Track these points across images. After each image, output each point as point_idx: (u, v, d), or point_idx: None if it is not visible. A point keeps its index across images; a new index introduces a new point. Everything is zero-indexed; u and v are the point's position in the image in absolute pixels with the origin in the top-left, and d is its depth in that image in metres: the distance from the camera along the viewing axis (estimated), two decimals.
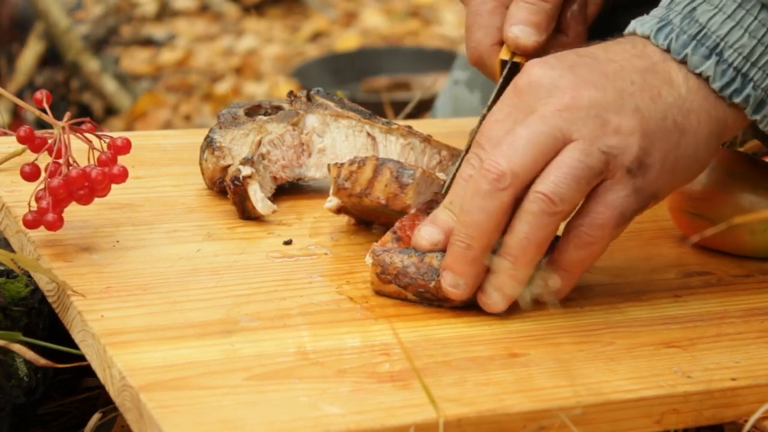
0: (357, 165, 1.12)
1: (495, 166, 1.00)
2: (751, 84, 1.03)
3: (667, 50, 1.04)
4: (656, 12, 1.06)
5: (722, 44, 1.03)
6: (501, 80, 1.17)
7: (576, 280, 1.04)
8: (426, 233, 1.05)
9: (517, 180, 1.00)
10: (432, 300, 1.05)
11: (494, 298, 1.03)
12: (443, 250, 1.04)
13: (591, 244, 1.02)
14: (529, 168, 1.00)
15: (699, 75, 1.03)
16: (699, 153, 1.05)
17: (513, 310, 1.06)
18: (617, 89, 1.02)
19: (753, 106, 1.04)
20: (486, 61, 1.19)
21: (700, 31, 1.03)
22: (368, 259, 1.07)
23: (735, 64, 1.03)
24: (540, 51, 1.15)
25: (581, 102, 1.01)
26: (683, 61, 1.03)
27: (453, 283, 1.03)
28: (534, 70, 1.03)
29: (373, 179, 1.11)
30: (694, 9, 1.04)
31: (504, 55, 1.17)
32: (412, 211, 1.10)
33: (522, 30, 1.14)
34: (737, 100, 1.03)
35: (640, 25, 1.06)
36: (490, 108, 1.10)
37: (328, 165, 1.15)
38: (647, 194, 1.03)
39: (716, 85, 1.03)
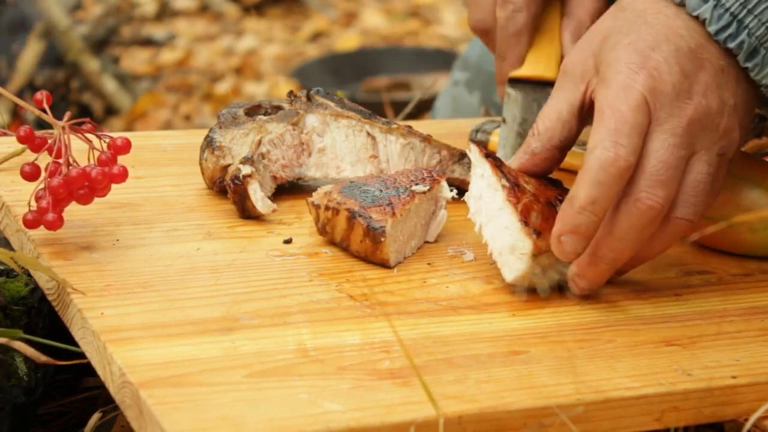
0: (331, 212, 1.12)
1: (656, 201, 1.02)
2: (746, 31, 1.05)
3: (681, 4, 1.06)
4: None
5: None
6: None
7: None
8: (571, 247, 1.05)
9: (667, 203, 1.03)
10: None
11: (592, 289, 1.08)
12: None
13: (683, 230, 1.06)
14: (674, 190, 1.04)
15: (696, 18, 1.05)
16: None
17: (513, 309, 1.06)
18: (712, 95, 1.05)
19: (746, 53, 1.05)
20: (491, 29, 1.20)
21: None
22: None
23: (732, 9, 1.04)
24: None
25: (700, 112, 1.04)
26: (681, 4, 1.05)
27: (586, 289, 1.07)
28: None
29: (349, 231, 1.12)
30: None
31: (517, 73, 1.18)
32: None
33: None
34: (731, 45, 1.05)
35: None
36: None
37: (307, 201, 1.15)
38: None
39: (711, 29, 1.04)
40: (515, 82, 1.25)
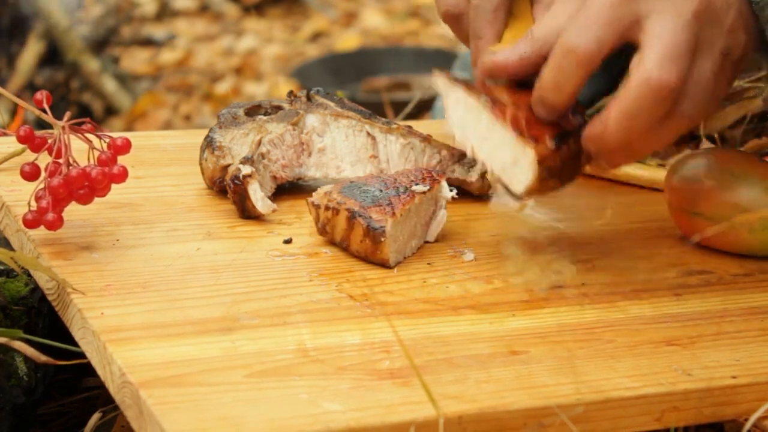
0: (331, 212, 1.12)
1: (668, 81, 1.02)
2: None
3: None
4: None
5: None
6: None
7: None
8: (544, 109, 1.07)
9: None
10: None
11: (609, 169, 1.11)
12: None
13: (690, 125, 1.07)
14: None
15: None
16: None
17: (513, 309, 1.06)
18: None
19: None
20: (463, 13, 1.20)
21: None
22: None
23: None
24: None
25: (705, 5, 1.04)
26: None
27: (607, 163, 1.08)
28: None
29: (349, 231, 1.12)
30: None
31: (497, 47, 1.17)
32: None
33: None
34: None
35: None
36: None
37: (307, 201, 1.15)
38: None
39: None
40: None
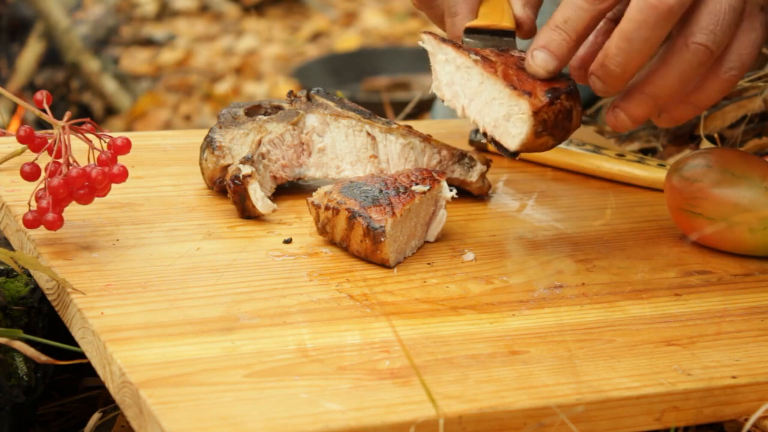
0: (331, 212, 1.12)
1: (664, 1, 1.02)
2: None
3: None
4: None
5: None
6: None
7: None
8: (542, 61, 1.07)
9: (679, 14, 1.03)
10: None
11: (623, 121, 1.09)
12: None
13: (735, 85, 1.07)
14: (687, 4, 1.03)
15: None
16: None
17: (513, 309, 1.06)
18: None
19: None
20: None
21: None
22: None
23: None
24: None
25: None
26: None
27: (622, 123, 1.08)
28: None
29: (349, 231, 1.12)
30: None
31: (474, 22, 1.18)
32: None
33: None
34: None
35: None
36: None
37: (307, 201, 1.15)
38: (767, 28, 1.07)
39: None
40: (471, 32, 1.24)
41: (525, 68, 1.09)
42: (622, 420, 0.95)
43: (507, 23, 1.20)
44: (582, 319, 1.06)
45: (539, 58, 1.08)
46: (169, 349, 0.95)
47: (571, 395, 0.94)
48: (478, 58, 1.09)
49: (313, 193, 1.15)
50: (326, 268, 1.11)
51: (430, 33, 1.13)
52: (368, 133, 1.26)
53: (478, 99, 1.09)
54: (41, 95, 1.14)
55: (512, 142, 1.08)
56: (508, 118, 1.07)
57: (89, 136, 1.12)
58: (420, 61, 4.14)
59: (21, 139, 1.15)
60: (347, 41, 4.53)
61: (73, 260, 1.08)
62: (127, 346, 0.95)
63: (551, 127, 1.08)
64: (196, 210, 1.20)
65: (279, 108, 1.28)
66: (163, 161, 1.31)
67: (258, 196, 1.18)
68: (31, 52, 3.75)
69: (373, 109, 1.35)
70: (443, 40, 1.12)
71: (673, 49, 1.05)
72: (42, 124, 1.86)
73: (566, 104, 1.08)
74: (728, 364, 1.00)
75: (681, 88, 1.06)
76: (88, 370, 1.03)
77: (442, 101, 1.14)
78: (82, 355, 1.00)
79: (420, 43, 1.16)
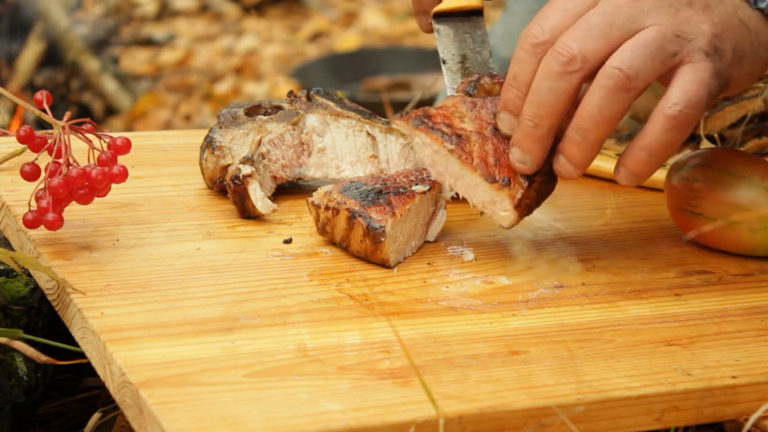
0: (331, 212, 1.12)
1: (566, 50, 1.03)
2: None
3: None
4: None
5: None
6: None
7: (659, 166, 1.07)
8: (506, 123, 1.08)
9: (588, 64, 1.04)
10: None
11: (567, 168, 1.08)
12: None
13: (685, 124, 1.04)
14: (600, 52, 1.04)
15: None
16: (759, 53, 1.08)
17: (513, 309, 1.06)
18: None
19: None
20: None
21: None
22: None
23: None
24: None
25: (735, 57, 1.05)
26: None
27: (521, 159, 1.08)
28: None
29: (349, 231, 1.12)
30: None
31: (443, 6, 1.18)
32: (450, 102, 1.12)
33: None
34: (762, 5, 1.07)
35: None
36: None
37: (307, 201, 1.15)
38: (724, 79, 1.06)
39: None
40: (441, 17, 1.24)
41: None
42: (622, 420, 0.95)
43: (476, 2, 1.21)
44: (582, 319, 1.06)
45: (504, 122, 1.09)
46: (169, 349, 0.95)
47: (571, 395, 0.94)
48: (452, 147, 1.09)
49: (313, 193, 1.15)
50: (326, 268, 1.11)
51: (401, 117, 1.12)
52: (368, 133, 1.26)
53: (461, 181, 1.11)
54: (41, 95, 1.14)
55: (504, 222, 1.11)
56: (494, 203, 1.10)
57: (89, 136, 1.12)
58: (420, 61, 4.14)
59: (21, 139, 1.15)
60: (347, 41, 4.53)
61: (73, 260, 1.08)
62: (127, 346, 0.95)
63: (535, 204, 1.11)
64: (196, 210, 1.20)
65: (279, 108, 1.28)
66: (163, 161, 1.31)
67: (258, 196, 1.18)
68: (31, 52, 3.74)
69: (373, 109, 1.35)
70: (416, 124, 1.11)
71: (593, 81, 1.05)
72: (42, 124, 1.86)
73: (546, 169, 1.10)
74: (728, 364, 1.00)
75: (603, 117, 1.04)
76: (88, 370, 1.03)
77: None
78: (82, 355, 1.00)
79: (393, 125, 1.17)
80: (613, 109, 1.04)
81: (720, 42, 1.05)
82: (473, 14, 1.21)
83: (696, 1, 1.06)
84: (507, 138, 1.09)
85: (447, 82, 1.23)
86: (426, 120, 1.10)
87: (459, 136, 1.09)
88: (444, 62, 1.24)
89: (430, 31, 1.25)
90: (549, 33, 1.05)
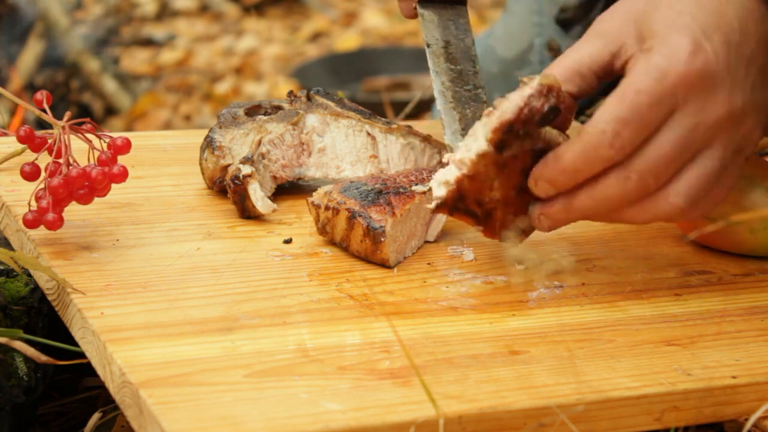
0: (331, 212, 1.12)
1: (645, 187, 1.01)
2: None
3: None
4: None
5: None
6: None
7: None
8: (544, 192, 1.05)
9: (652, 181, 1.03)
10: None
11: (547, 223, 1.07)
12: None
13: (676, 210, 1.05)
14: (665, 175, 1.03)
15: None
16: None
17: (513, 309, 1.06)
18: (748, 93, 1.03)
19: None
20: None
21: None
22: None
23: None
24: None
25: (730, 113, 1.03)
26: None
27: (549, 228, 1.06)
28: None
29: (349, 231, 1.12)
30: None
31: None
32: None
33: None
34: None
35: None
36: None
37: (307, 201, 1.15)
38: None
39: None
40: (425, 1, 1.24)
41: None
42: (622, 420, 0.95)
43: None
44: (582, 319, 1.06)
45: (542, 190, 1.04)
46: (169, 349, 0.95)
47: (571, 395, 0.94)
48: (482, 228, 1.07)
49: (313, 193, 1.15)
50: (326, 268, 1.11)
51: (437, 208, 1.07)
52: (368, 133, 1.26)
53: None
54: (41, 95, 1.14)
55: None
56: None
57: (89, 136, 1.12)
58: (420, 61, 4.14)
59: (21, 139, 1.15)
60: (347, 41, 4.53)
61: (73, 260, 1.08)
62: (127, 346, 0.95)
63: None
64: (196, 210, 1.20)
65: (279, 108, 1.28)
66: (163, 161, 1.31)
67: (258, 196, 1.18)
68: (31, 52, 3.74)
69: (373, 109, 1.35)
70: (452, 211, 1.07)
71: (609, 175, 1.03)
72: (42, 124, 1.86)
73: None
74: (728, 364, 1.00)
75: (577, 168, 1.01)
76: (88, 370, 1.03)
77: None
78: (82, 355, 1.00)
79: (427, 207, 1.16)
80: (589, 163, 1.02)
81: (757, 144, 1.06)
82: (457, 2, 1.21)
83: (758, 104, 1.04)
84: (530, 197, 1.06)
85: (431, 65, 1.23)
86: (460, 204, 1.06)
87: (488, 214, 1.06)
88: (428, 46, 1.24)
89: (413, 16, 1.25)
90: (629, 149, 1.01)
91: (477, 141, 1.02)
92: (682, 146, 1.01)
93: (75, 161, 1.10)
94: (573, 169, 1.01)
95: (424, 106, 2.71)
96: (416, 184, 1.16)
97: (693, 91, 1.01)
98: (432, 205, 1.05)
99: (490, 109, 1.02)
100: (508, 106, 1.01)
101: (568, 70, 1.05)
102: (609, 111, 1.00)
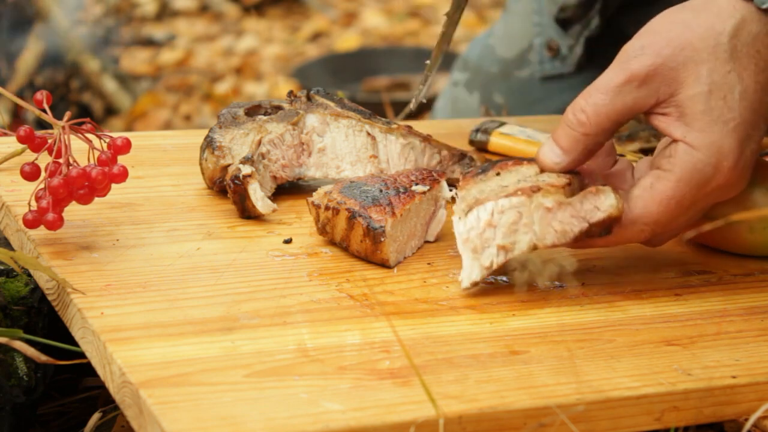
0: (331, 212, 1.12)
1: (641, 235, 1.09)
2: None
3: None
4: None
5: None
6: None
7: None
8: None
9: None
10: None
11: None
12: None
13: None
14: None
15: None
16: None
17: (513, 309, 1.06)
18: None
19: None
20: None
21: None
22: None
23: None
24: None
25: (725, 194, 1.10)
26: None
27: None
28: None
29: (349, 231, 1.12)
30: None
31: None
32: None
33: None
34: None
35: None
36: None
37: (307, 201, 1.15)
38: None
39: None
40: None
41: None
42: (622, 420, 0.95)
43: None
44: (582, 319, 1.06)
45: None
46: (169, 349, 0.95)
47: (571, 395, 0.94)
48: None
49: (313, 193, 1.15)
50: (326, 268, 1.11)
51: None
52: (368, 133, 1.26)
53: None
54: (41, 95, 1.14)
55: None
56: None
57: (89, 136, 1.12)
58: (420, 61, 4.14)
59: (21, 139, 1.15)
60: (347, 41, 4.53)
61: (73, 260, 1.08)
62: (127, 346, 0.95)
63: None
64: (196, 210, 1.20)
65: (279, 108, 1.28)
66: (163, 161, 1.31)
67: (258, 196, 1.18)
68: (31, 52, 3.74)
69: (373, 109, 1.35)
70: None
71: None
72: (42, 124, 1.86)
73: None
74: (728, 364, 1.00)
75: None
76: (88, 370, 1.03)
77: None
78: (82, 355, 1.00)
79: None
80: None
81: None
82: None
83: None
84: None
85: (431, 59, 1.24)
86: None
87: None
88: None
89: None
90: (650, 233, 1.09)
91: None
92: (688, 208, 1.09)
93: (75, 161, 1.10)
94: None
95: (424, 106, 2.71)
96: (416, 184, 1.16)
97: (716, 191, 1.08)
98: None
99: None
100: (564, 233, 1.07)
101: (607, 120, 1.07)
102: (649, 213, 1.07)
